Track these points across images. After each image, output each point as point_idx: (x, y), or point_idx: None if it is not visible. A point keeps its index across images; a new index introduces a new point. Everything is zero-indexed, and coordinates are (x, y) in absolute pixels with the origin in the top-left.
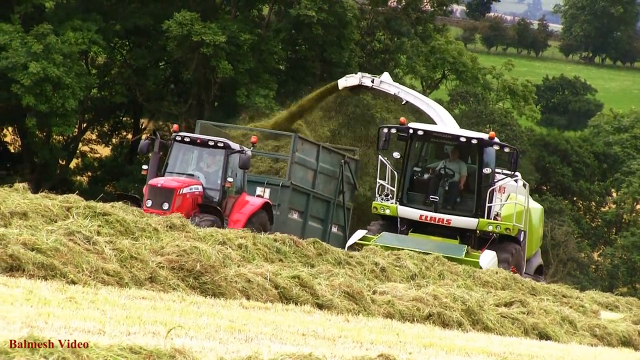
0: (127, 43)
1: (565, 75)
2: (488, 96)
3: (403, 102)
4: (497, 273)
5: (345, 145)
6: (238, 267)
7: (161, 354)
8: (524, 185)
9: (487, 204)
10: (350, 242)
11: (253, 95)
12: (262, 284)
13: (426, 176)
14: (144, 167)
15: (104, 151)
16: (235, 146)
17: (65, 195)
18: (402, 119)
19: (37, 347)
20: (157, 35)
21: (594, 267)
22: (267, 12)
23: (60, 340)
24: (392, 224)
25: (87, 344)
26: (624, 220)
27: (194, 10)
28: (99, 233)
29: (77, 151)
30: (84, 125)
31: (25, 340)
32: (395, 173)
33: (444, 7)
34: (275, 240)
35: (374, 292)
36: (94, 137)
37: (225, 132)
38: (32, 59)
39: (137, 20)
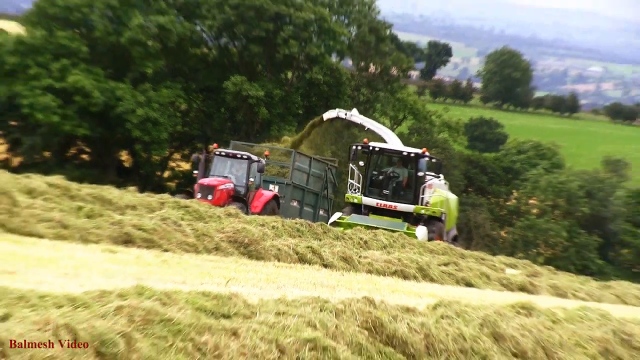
0: (200, 96)
1: (483, 117)
2: (433, 130)
3: (365, 129)
4: (439, 244)
5: (329, 157)
6: (272, 240)
7: (223, 296)
8: (445, 183)
9: (421, 196)
10: (331, 220)
11: (282, 130)
12: (288, 251)
13: (381, 177)
14: (195, 172)
15: (185, 166)
16: (254, 157)
17: (160, 195)
18: (365, 139)
19: (143, 292)
20: (219, 91)
21: (501, 240)
22: (291, 76)
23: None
24: (358, 208)
25: (175, 291)
26: (520, 210)
27: (243, 75)
28: (182, 219)
29: (168, 166)
30: (172, 149)
31: (135, 287)
32: (361, 175)
33: (405, 73)
34: (296, 223)
35: (360, 257)
36: (178, 156)
37: (249, 148)
38: (139, 106)
39: (207, 82)
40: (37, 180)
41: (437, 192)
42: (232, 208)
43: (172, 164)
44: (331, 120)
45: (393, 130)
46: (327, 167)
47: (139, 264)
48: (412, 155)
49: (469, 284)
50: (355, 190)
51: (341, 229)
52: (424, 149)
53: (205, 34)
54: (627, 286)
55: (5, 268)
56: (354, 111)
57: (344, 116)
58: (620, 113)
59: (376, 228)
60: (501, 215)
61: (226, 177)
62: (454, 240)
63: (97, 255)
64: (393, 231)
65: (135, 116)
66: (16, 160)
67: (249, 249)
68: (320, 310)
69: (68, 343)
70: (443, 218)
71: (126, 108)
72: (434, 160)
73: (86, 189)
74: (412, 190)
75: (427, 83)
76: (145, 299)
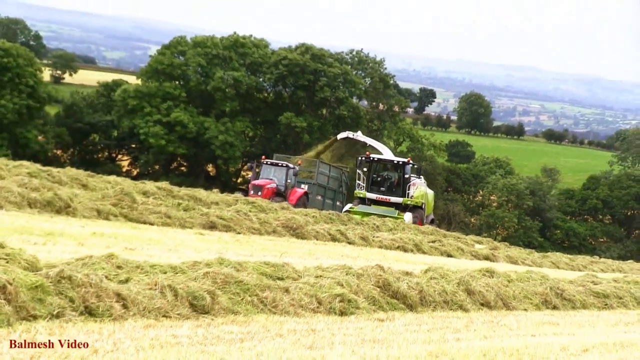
0: (262, 127)
1: (458, 139)
2: (423, 148)
3: (367, 145)
4: (428, 228)
5: (345, 164)
6: (312, 225)
7: (278, 265)
8: (424, 182)
9: (407, 191)
10: (344, 209)
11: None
12: (323, 233)
13: (379, 179)
14: (249, 176)
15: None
16: (291, 165)
17: (234, 194)
18: (367, 152)
19: (222, 263)
20: (275, 123)
21: (472, 224)
22: (325, 112)
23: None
24: (363, 200)
25: (245, 261)
26: (484, 204)
27: (292, 112)
28: (250, 211)
29: (240, 175)
30: (243, 163)
31: (215, 259)
32: (365, 177)
33: (404, 109)
34: (330, 214)
35: (373, 237)
36: (246, 168)
37: (287, 158)
38: (220, 134)
39: (267, 117)
40: (149, 185)
41: (419, 189)
42: (285, 203)
43: (243, 173)
44: (343, 139)
45: (395, 148)
46: (341, 171)
47: (220, 242)
48: (400, 163)
49: (449, 255)
50: (361, 188)
51: (358, 216)
52: (409, 158)
53: (265, 83)
54: (559, 256)
55: (127, 246)
56: (359, 133)
57: (352, 136)
58: (553, 136)
59: (376, 214)
60: (471, 207)
61: (271, 179)
62: (432, 222)
63: (191, 237)
64: (388, 217)
65: (218, 140)
66: (135, 171)
67: (296, 232)
68: (346, 274)
69: (170, 298)
70: (423, 207)
71: (211, 135)
72: (415, 166)
73: (184, 190)
74: (400, 187)
75: (419, 116)
76: (224, 267)
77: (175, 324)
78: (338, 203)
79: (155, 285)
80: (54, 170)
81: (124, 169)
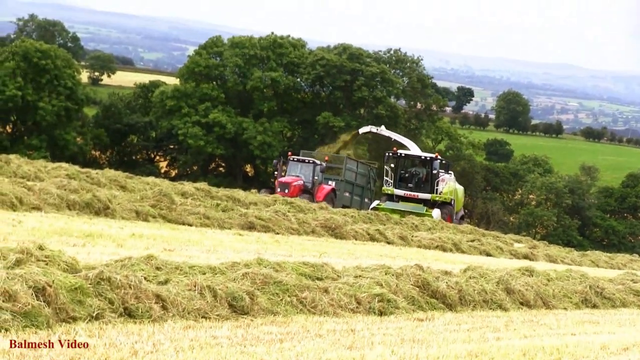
0: (300, 127)
1: (496, 138)
2: (462, 147)
3: (392, 140)
4: (466, 227)
5: (372, 161)
6: (351, 225)
7: (317, 265)
8: (454, 177)
9: (436, 187)
10: (372, 206)
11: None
12: (362, 233)
13: (407, 175)
14: (275, 173)
15: None
16: (317, 162)
17: (273, 195)
18: (394, 148)
19: (261, 262)
20: (313, 123)
21: (510, 223)
22: (363, 111)
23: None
24: (391, 197)
25: (284, 261)
26: (523, 202)
27: (329, 111)
28: (289, 211)
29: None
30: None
31: (255, 259)
32: (392, 173)
33: (442, 108)
34: (368, 213)
35: (412, 236)
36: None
37: (314, 155)
38: (258, 134)
39: (304, 117)
40: (188, 186)
41: (448, 184)
42: (324, 204)
43: (283, 173)
44: (365, 133)
45: (433, 147)
46: (369, 167)
47: (258, 243)
48: (428, 158)
49: (488, 254)
50: (388, 184)
51: (397, 216)
52: (437, 153)
53: (303, 83)
54: (599, 254)
55: (166, 247)
56: (382, 127)
57: (375, 130)
58: (591, 134)
59: (403, 210)
60: (510, 206)
61: (298, 176)
62: (461, 219)
63: (229, 237)
64: (416, 213)
65: (256, 141)
66: (173, 172)
67: (335, 232)
68: (385, 274)
69: (209, 298)
70: (452, 203)
71: (250, 135)
72: (444, 162)
73: (222, 191)
74: (429, 183)
75: (456, 115)
76: (263, 267)
77: (215, 325)
78: (366, 200)
79: (195, 286)
80: (93, 171)
81: (162, 170)
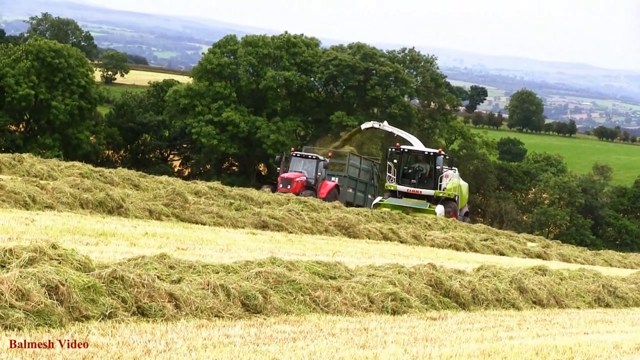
0: (313, 126)
1: (510, 137)
2: (475, 147)
3: (395, 135)
4: (480, 226)
5: (375, 156)
6: (364, 224)
7: (330, 264)
8: (457, 173)
9: (439, 183)
10: (374, 202)
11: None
12: (375, 232)
13: (410, 171)
14: (278, 168)
15: None
16: (321, 157)
17: (286, 194)
18: (397, 143)
19: (275, 261)
20: (327, 122)
21: (523, 222)
22: (376, 111)
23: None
24: (394, 193)
25: (297, 260)
26: (536, 201)
27: (343, 111)
28: (302, 210)
29: None
30: None
31: (268, 259)
32: (395, 169)
33: (455, 107)
34: (381, 212)
35: (425, 235)
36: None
37: (317, 151)
38: (271, 133)
39: (318, 116)
40: (201, 185)
41: (452, 180)
42: (337, 203)
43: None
44: (367, 129)
45: (447, 147)
46: (372, 163)
47: (272, 242)
48: (432, 154)
49: (501, 253)
50: (391, 180)
51: (412, 217)
52: (440, 149)
53: (316, 83)
54: (611, 254)
55: (179, 246)
56: (385, 123)
57: (378, 126)
58: (604, 134)
59: (406, 207)
60: (523, 205)
61: (301, 172)
62: (466, 215)
63: (243, 236)
64: (419, 209)
65: (269, 140)
66: (187, 171)
67: (348, 231)
68: (399, 273)
69: (223, 297)
70: (456, 199)
71: (263, 134)
72: (447, 157)
73: (235, 190)
74: (432, 179)
75: (470, 115)
76: (276, 266)
77: (228, 324)
78: (369, 196)
79: (208, 285)
80: (106, 170)
81: (176, 169)
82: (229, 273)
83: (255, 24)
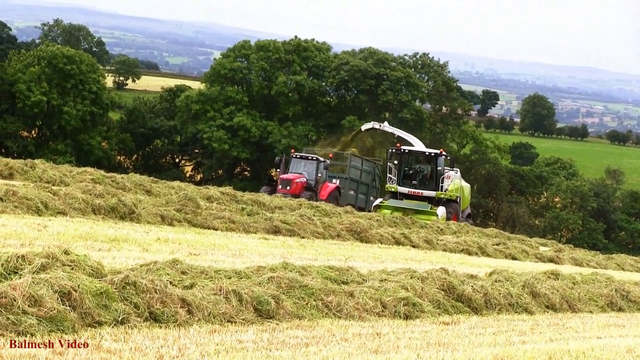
0: (325, 130)
1: (521, 141)
2: (487, 151)
3: (395, 136)
4: (492, 230)
5: (377, 157)
6: (376, 229)
7: (342, 269)
8: (459, 174)
9: (440, 184)
10: (375, 203)
11: (380, 153)
12: (387, 237)
13: (411, 172)
14: (278, 170)
15: None
16: (321, 158)
17: (298, 199)
18: (398, 144)
19: (287, 266)
20: (338, 127)
21: (536, 226)
22: (388, 115)
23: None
24: (395, 195)
25: (309, 265)
26: (549, 205)
27: (355, 115)
28: (314, 215)
29: None
30: None
31: (281, 264)
32: (396, 170)
33: (467, 112)
34: (394, 217)
35: (437, 240)
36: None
37: (317, 151)
38: (283, 137)
39: (329, 120)
40: (213, 190)
41: (454, 182)
42: (349, 207)
43: None
44: (368, 130)
45: (458, 151)
46: (374, 164)
47: (284, 247)
48: (433, 154)
49: (514, 258)
50: (392, 181)
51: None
52: (441, 149)
53: (328, 87)
54: (624, 258)
55: (191, 251)
56: (385, 123)
57: (378, 127)
58: (616, 137)
59: (407, 209)
60: (535, 209)
61: (301, 173)
62: (468, 217)
63: (255, 242)
64: (420, 211)
65: (281, 144)
66: (199, 176)
67: (360, 236)
68: (411, 278)
69: (235, 303)
70: (458, 201)
71: (274, 139)
72: (449, 158)
73: (247, 195)
74: (433, 180)
75: (482, 119)
76: (289, 271)
77: (241, 329)
78: (371, 198)
79: (220, 290)
80: (118, 176)
81: (188, 174)
82: (242, 278)
83: (265, 29)
